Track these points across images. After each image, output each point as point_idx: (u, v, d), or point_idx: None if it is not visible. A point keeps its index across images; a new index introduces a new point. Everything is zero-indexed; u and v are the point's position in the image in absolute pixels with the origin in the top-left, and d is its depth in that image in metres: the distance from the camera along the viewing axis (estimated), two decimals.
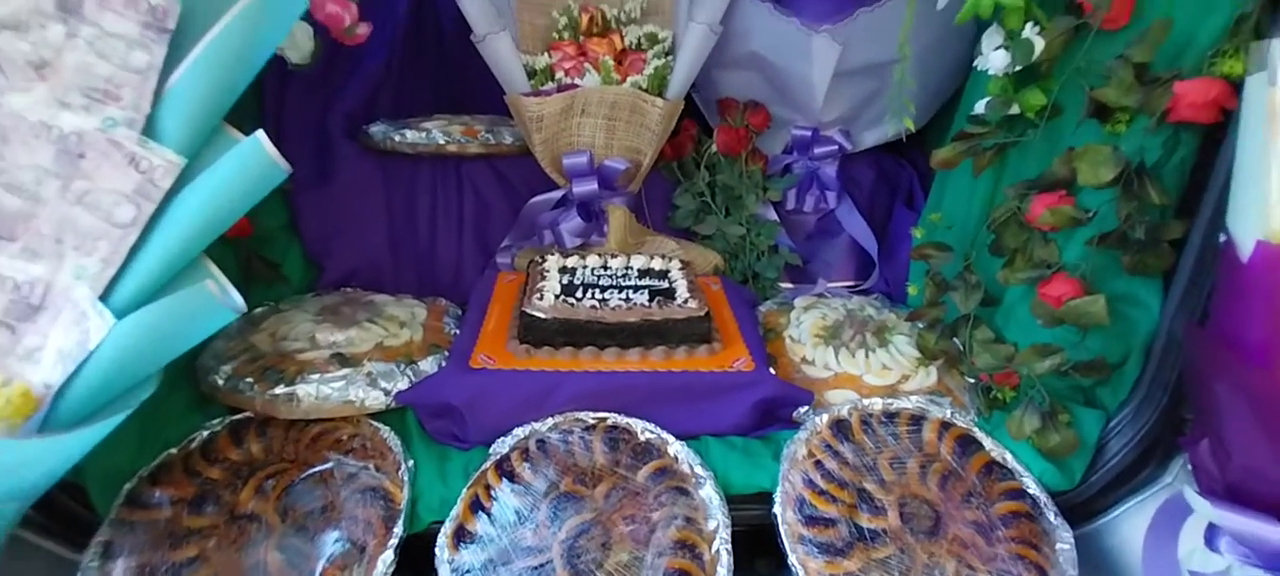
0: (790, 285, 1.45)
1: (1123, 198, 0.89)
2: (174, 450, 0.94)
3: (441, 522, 0.89)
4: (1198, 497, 0.75)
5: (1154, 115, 0.86)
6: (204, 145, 0.75)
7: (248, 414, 0.99)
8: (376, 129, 1.37)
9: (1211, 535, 0.77)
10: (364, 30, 1.05)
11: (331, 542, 0.84)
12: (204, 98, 0.73)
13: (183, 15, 0.72)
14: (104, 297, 0.70)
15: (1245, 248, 0.71)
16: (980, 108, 1.04)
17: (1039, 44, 0.92)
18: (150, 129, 0.72)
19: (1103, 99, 0.89)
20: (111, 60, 0.70)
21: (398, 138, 1.35)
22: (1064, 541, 0.89)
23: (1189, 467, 0.85)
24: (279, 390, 0.97)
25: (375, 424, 0.99)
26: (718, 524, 0.88)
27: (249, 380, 0.99)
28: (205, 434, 0.96)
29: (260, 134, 0.72)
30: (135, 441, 0.92)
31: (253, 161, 0.72)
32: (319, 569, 0.81)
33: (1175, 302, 0.91)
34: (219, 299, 0.71)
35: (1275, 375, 0.67)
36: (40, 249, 0.69)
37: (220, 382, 1.00)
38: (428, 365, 1.06)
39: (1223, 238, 0.76)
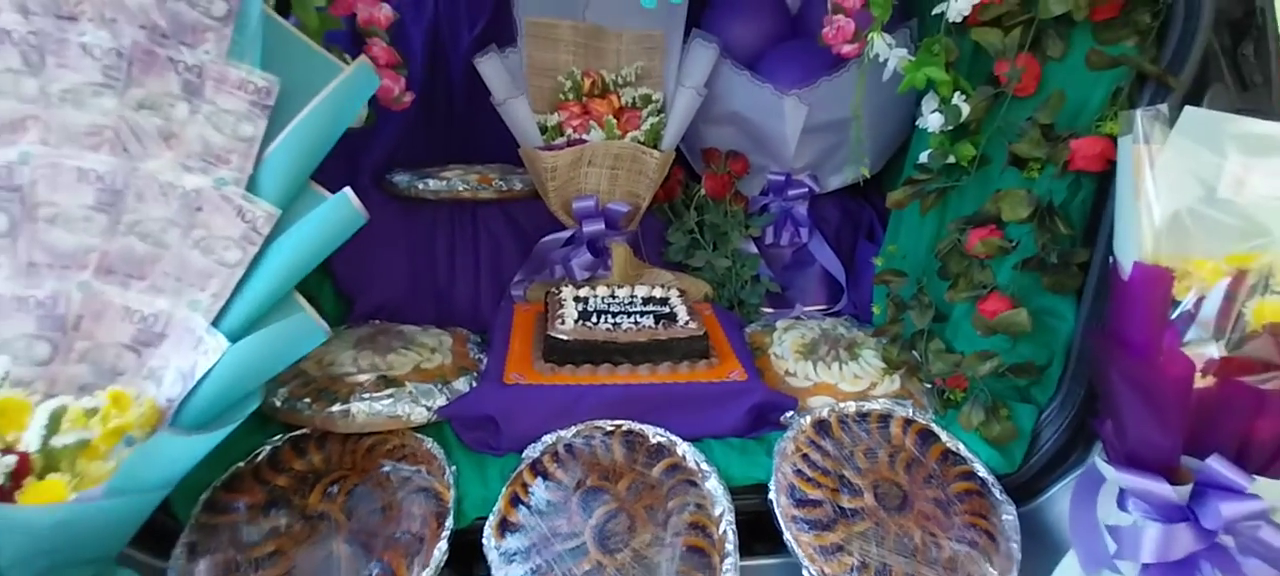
0: (771, 309, 1.63)
1: (1038, 230, 1.10)
2: (242, 463, 1.06)
3: (484, 518, 1.02)
4: (1105, 465, 0.94)
5: (1058, 165, 1.08)
6: (295, 199, 0.90)
7: (305, 430, 1.11)
8: (400, 178, 1.53)
9: (1121, 496, 0.96)
10: (408, 99, 1.22)
11: (393, 536, 0.97)
12: (296, 161, 0.89)
13: (280, 95, 0.88)
14: (214, 325, 0.84)
15: (1126, 267, 0.92)
16: (924, 158, 1.26)
17: (966, 109, 1.14)
18: (252, 186, 0.87)
19: (1018, 151, 1.11)
20: (224, 132, 0.85)
21: (421, 185, 1.51)
22: (1009, 513, 1.07)
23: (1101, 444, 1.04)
24: (335, 408, 1.10)
25: (419, 435, 1.13)
26: (723, 509, 1.03)
27: (306, 400, 1.11)
28: (268, 448, 1.09)
29: (347, 190, 0.88)
30: (207, 458, 1.03)
31: (341, 212, 0.88)
32: (385, 557, 0.94)
33: (1085, 313, 1.12)
34: (317, 325, 0.85)
35: (1152, 366, 0.87)
36: (163, 286, 0.83)
37: (278, 404, 1.12)
38: (461, 384, 1.21)
39: (1112, 260, 0.97)
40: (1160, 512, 0.91)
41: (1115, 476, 0.93)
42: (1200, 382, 0.86)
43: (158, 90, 0.82)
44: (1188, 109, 0.91)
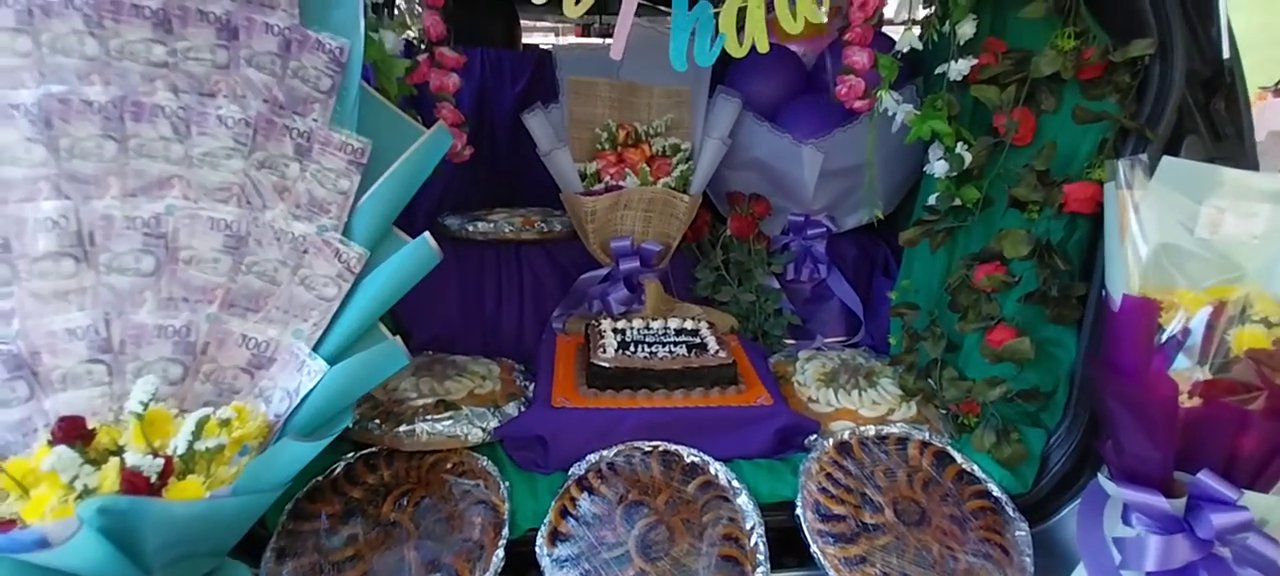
0: (793, 341, 1.74)
1: (1039, 266, 1.21)
2: (320, 477, 1.18)
3: (535, 529, 1.13)
4: (1107, 481, 1.03)
5: (1054, 207, 1.20)
6: (381, 242, 1.05)
7: (374, 448, 1.24)
8: (451, 221, 1.69)
9: (1125, 512, 1.05)
10: (469, 153, 1.38)
11: (458, 543, 1.08)
12: (383, 210, 1.04)
13: (371, 154, 1.03)
14: (315, 350, 0.98)
15: (1116, 300, 1.02)
16: (932, 200, 1.38)
17: (968, 157, 1.26)
18: (347, 231, 1.02)
19: (1017, 195, 1.23)
20: (326, 186, 1.01)
21: (470, 228, 1.66)
22: (1021, 530, 1.15)
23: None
24: (402, 428, 1.23)
25: (475, 454, 1.25)
26: (754, 523, 1.13)
27: (376, 421, 1.24)
28: (343, 464, 1.21)
29: (427, 234, 1.02)
30: None
31: (421, 253, 1.02)
32: (450, 561, 1.05)
33: (1085, 342, 1.21)
34: (401, 352, 0.99)
35: (1141, 388, 0.96)
36: (274, 317, 0.97)
37: (351, 425, 1.24)
38: (511, 408, 1.33)
39: (1103, 293, 1.08)
40: (1160, 525, 0.99)
41: (1116, 491, 1.01)
42: (1189, 404, 0.95)
43: (275, 153, 0.98)
44: (1165, 159, 1.02)
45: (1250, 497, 0.91)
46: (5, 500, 0.78)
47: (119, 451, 0.81)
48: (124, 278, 0.92)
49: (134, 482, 0.78)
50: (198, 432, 0.80)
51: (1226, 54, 1.08)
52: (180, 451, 0.80)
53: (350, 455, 1.22)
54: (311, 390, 0.93)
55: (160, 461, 0.80)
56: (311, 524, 1.10)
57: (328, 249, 0.99)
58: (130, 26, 0.91)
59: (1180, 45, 1.07)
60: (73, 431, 0.80)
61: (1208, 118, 1.09)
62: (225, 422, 0.84)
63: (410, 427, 1.23)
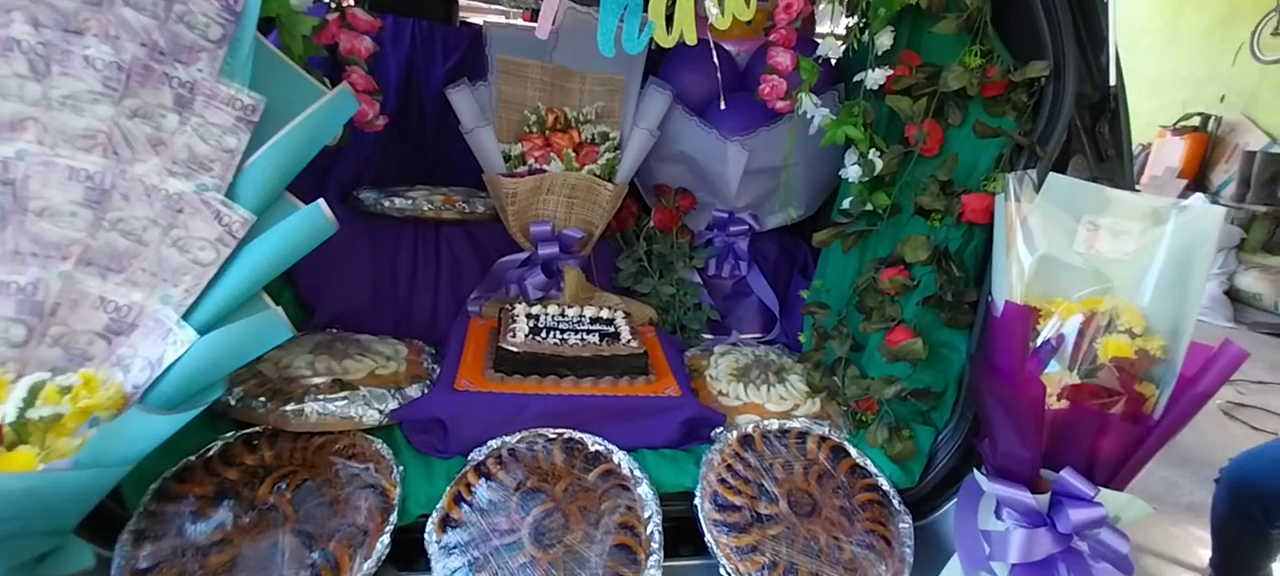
0: (711, 335, 1.76)
1: (937, 272, 1.26)
2: (193, 457, 1.11)
3: (427, 516, 1.09)
4: (981, 476, 1.08)
5: (954, 216, 1.25)
6: (270, 207, 0.98)
7: (258, 427, 1.17)
8: (367, 195, 1.62)
9: (997, 507, 1.10)
10: (382, 123, 1.32)
11: (340, 528, 1.03)
12: (274, 173, 0.97)
13: (264, 112, 0.97)
14: (185, 319, 0.91)
15: (999, 305, 1.07)
16: (846, 204, 1.41)
17: (879, 163, 1.30)
18: (232, 193, 0.95)
19: (922, 203, 1.27)
20: (209, 142, 0.94)
21: (387, 203, 1.59)
22: (904, 522, 1.20)
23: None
24: (289, 407, 1.16)
25: (369, 436, 1.20)
26: (652, 513, 1.13)
27: (261, 399, 1.17)
28: (220, 443, 1.14)
29: (321, 201, 0.97)
30: (159, 450, 1.08)
31: (313, 221, 0.96)
32: (330, 547, 1.00)
33: (974, 346, 1.27)
34: (282, 323, 0.93)
35: (1016, 389, 1.01)
36: (139, 280, 0.90)
37: (232, 402, 1.18)
38: (413, 391, 1.28)
39: (989, 299, 1.13)
40: (1026, 519, 1.05)
41: (988, 486, 1.07)
42: (1057, 405, 1.01)
43: (151, 101, 0.91)
44: (1052, 175, 1.08)
45: (1106, 495, 0.98)
46: None
47: None
48: None
49: None
50: (31, 399, 0.73)
51: (1113, 81, 1.15)
52: (9, 419, 0.73)
53: (230, 434, 1.15)
54: (176, 361, 0.87)
55: None
56: (177, 505, 1.03)
57: (207, 210, 0.93)
58: None
59: (1072, 69, 1.14)
60: None
61: (1093, 139, 1.16)
62: (66, 390, 0.77)
63: (299, 407, 1.17)
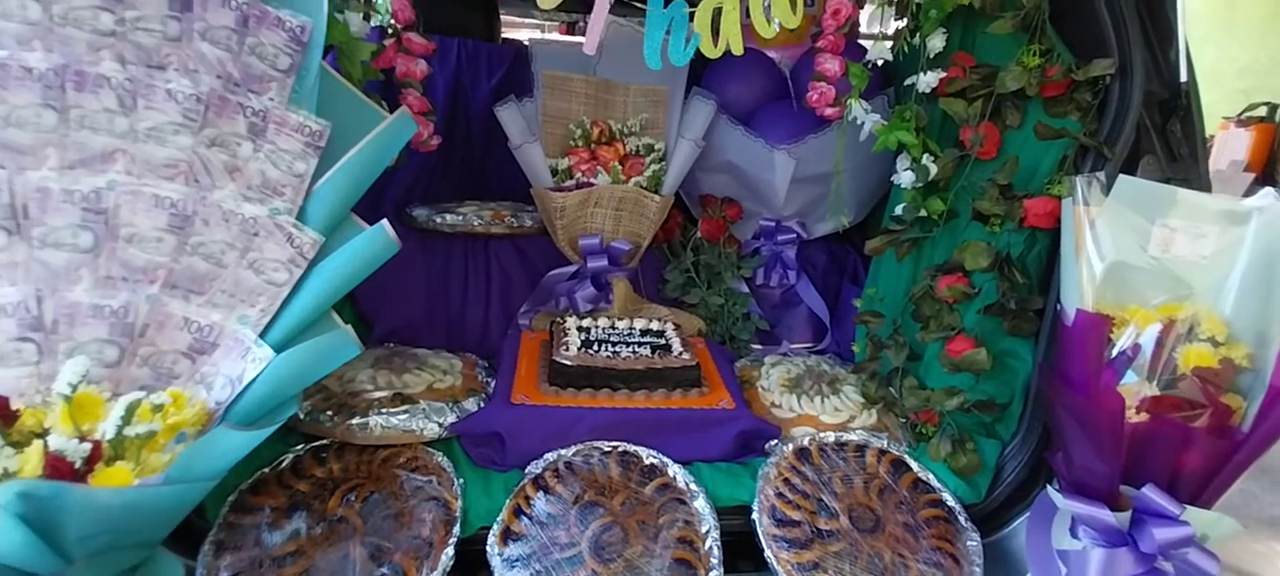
0: (760, 346, 1.74)
1: (999, 279, 1.23)
2: (266, 469, 1.15)
3: (488, 528, 1.11)
4: (1055, 492, 1.04)
5: (1015, 221, 1.21)
6: (337, 228, 1.02)
7: (325, 440, 1.21)
8: (419, 212, 1.66)
9: (1073, 524, 1.06)
10: (436, 142, 1.35)
11: (406, 540, 1.05)
12: (341, 195, 1.01)
13: (330, 137, 1.01)
14: (261, 337, 0.95)
15: (1069, 314, 1.03)
16: (899, 210, 1.39)
17: (934, 168, 1.27)
18: (302, 215, 0.99)
19: (980, 208, 1.24)
20: (281, 167, 0.98)
21: (439, 220, 1.63)
22: (972, 539, 1.16)
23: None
24: (354, 421, 1.20)
25: (430, 449, 1.22)
26: (709, 526, 1.12)
27: (328, 413, 1.21)
28: (291, 456, 1.17)
29: (385, 222, 1.00)
30: (235, 463, 1.13)
31: (378, 241, 0.99)
32: (397, 559, 1.03)
33: (1041, 356, 1.23)
34: (351, 340, 0.96)
35: (1090, 402, 0.98)
36: (218, 301, 0.94)
37: (301, 416, 1.21)
38: (470, 404, 1.30)
39: (1058, 307, 1.09)
40: (1105, 538, 1.00)
41: (1063, 503, 1.03)
42: (1136, 419, 0.97)
43: (227, 130, 0.95)
44: (1121, 177, 1.04)
45: (1192, 513, 0.93)
46: None
47: (44, 434, 0.78)
48: (59, 254, 0.88)
49: (58, 467, 0.74)
50: (128, 417, 0.77)
51: (1184, 77, 1.10)
52: (109, 436, 0.77)
53: (300, 448, 1.19)
54: (255, 378, 0.90)
55: (87, 446, 0.76)
56: (253, 517, 1.06)
57: (279, 232, 0.96)
58: None
59: (1140, 67, 1.09)
60: None
61: (1164, 139, 1.11)
62: (159, 408, 0.81)
63: (363, 420, 1.20)
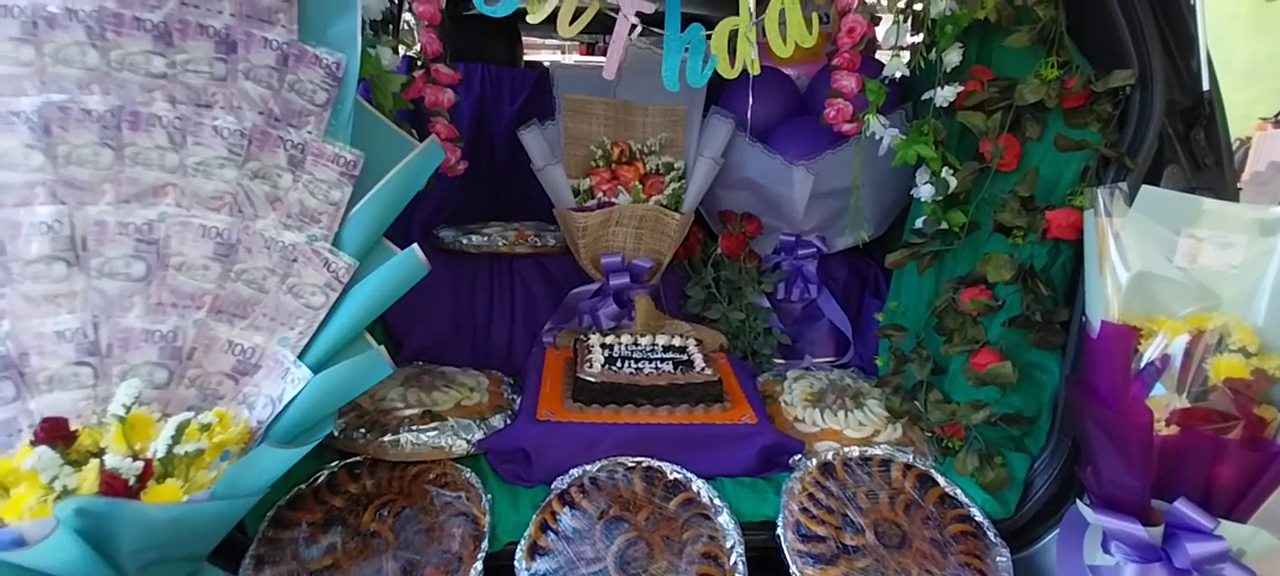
0: (782, 360, 1.74)
1: (1023, 291, 1.22)
2: (303, 486, 1.19)
3: (515, 543, 1.13)
4: (1085, 507, 1.02)
5: (1038, 232, 1.21)
6: (370, 253, 1.06)
7: (358, 457, 1.24)
8: (446, 233, 1.71)
9: (1105, 540, 1.04)
10: (463, 167, 1.40)
11: (436, 554, 1.08)
12: (373, 221, 1.05)
13: (363, 165, 1.05)
14: (299, 358, 0.99)
15: (1095, 326, 1.03)
16: (919, 223, 1.39)
17: (953, 182, 1.28)
18: (337, 241, 1.04)
19: (1001, 220, 1.24)
20: (317, 197, 1.02)
21: (464, 240, 1.68)
22: (1002, 555, 1.14)
23: None
24: (386, 438, 1.24)
25: (458, 465, 1.25)
26: (734, 542, 1.13)
27: (361, 430, 1.25)
28: (326, 473, 1.22)
29: (415, 246, 1.04)
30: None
31: (408, 264, 1.03)
32: (428, 573, 1.05)
33: (1068, 368, 1.22)
34: (385, 361, 1.00)
35: (1119, 415, 0.96)
36: (260, 324, 0.99)
37: (335, 433, 1.26)
38: (497, 421, 1.33)
39: (1083, 319, 1.08)
40: (1138, 553, 0.99)
41: (1094, 518, 1.01)
42: (1166, 431, 0.95)
43: (268, 163, 1.00)
44: (1144, 188, 1.03)
45: (1227, 527, 0.91)
46: None
47: (100, 453, 0.82)
48: (114, 282, 0.93)
49: (112, 484, 0.79)
50: (178, 436, 0.81)
51: (1206, 86, 1.09)
52: (160, 454, 0.81)
53: (334, 464, 1.23)
54: (295, 397, 0.94)
55: (139, 464, 0.81)
56: (291, 532, 1.10)
57: (317, 258, 1.01)
58: (132, 39, 0.93)
59: (1160, 76, 1.09)
60: (55, 432, 0.81)
61: (1188, 148, 1.10)
62: (206, 427, 0.85)
63: (395, 437, 1.24)
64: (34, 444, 0.81)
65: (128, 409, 0.83)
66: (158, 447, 0.81)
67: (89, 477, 0.79)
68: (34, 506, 0.77)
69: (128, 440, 0.83)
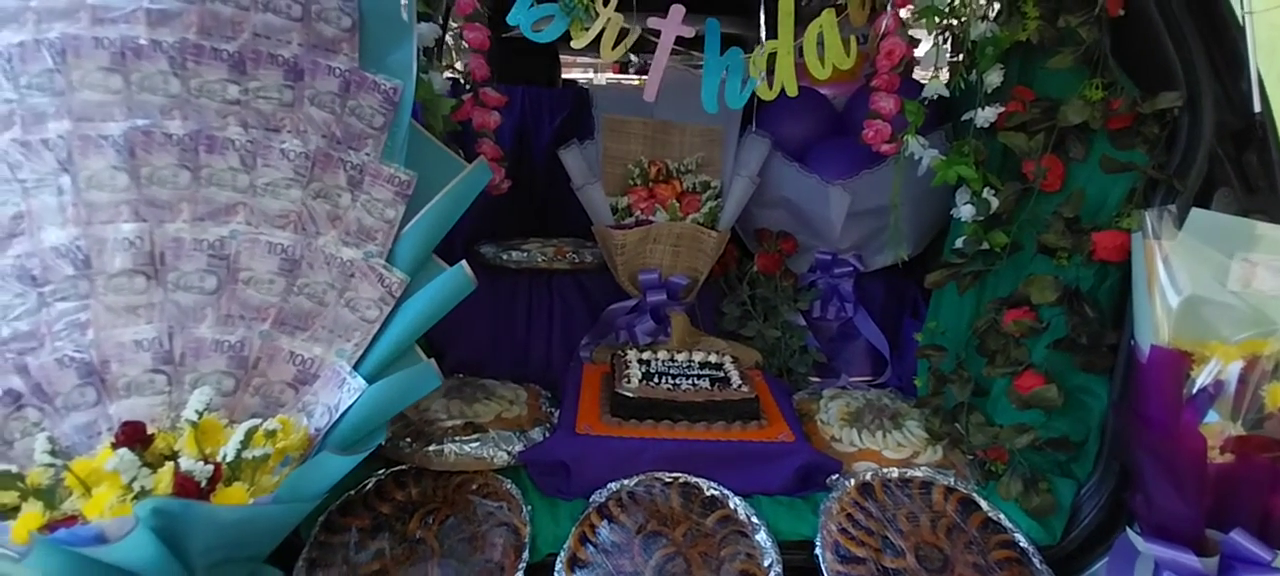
0: (818, 379, 1.74)
1: (1069, 313, 1.20)
2: (352, 492, 1.23)
3: (555, 554, 1.15)
4: (1135, 536, 1.00)
5: (1084, 254, 1.19)
6: (420, 269, 1.11)
7: (404, 466, 1.28)
8: (487, 249, 1.76)
9: (1156, 568, 1.01)
10: (506, 186, 1.45)
11: (479, 564, 1.11)
12: (425, 238, 1.10)
13: (417, 186, 1.10)
14: (355, 369, 1.03)
15: (1144, 350, 1.01)
16: (960, 244, 1.38)
17: (995, 202, 1.27)
18: (391, 258, 1.09)
19: (1046, 241, 1.23)
20: (374, 215, 1.08)
21: (505, 256, 1.72)
22: None
23: None
24: (431, 448, 1.27)
25: (499, 476, 1.28)
26: (772, 560, 1.13)
27: (407, 440, 1.29)
28: (374, 480, 1.26)
29: (464, 263, 1.08)
30: None
31: (457, 280, 1.07)
32: None
33: (1116, 393, 1.19)
34: (435, 373, 1.04)
35: (1170, 442, 0.95)
36: (320, 336, 1.04)
37: (383, 442, 1.30)
38: (536, 433, 1.36)
39: (1132, 343, 1.07)
40: None
41: (1145, 547, 0.99)
42: (1220, 459, 0.93)
43: (330, 183, 1.06)
44: (1194, 210, 1.02)
45: None
46: (68, 498, 0.85)
47: (174, 456, 0.88)
48: (189, 295, 1.00)
49: (185, 486, 0.83)
50: (246, 442, 0.86)
51: (1257, 108, 1.07)
52: (229, 459, 0.86)
53: (381, 472, 1.27)
54: (350, 406, 0.99)
55: (210, 468, 0.86)
56: (342, 537, 1.14)
57: (372, 274, 1.06)
58: (210, 68, 1.00)
59: (1209, 98, 1.08)
60: (134, 436, 0.87)
61: (1240, 170, 1.08)
62: (271, 433, 0.90)
63: (439, 447, 1.27)
64: (114, 446, 0.86)
65: (200, 415, 0.88)
66: (227, 452, 0.86)
67: (164, 479, 0.84)
68: (114, 505, 0.82)
69: (199, 444, 0.88)
